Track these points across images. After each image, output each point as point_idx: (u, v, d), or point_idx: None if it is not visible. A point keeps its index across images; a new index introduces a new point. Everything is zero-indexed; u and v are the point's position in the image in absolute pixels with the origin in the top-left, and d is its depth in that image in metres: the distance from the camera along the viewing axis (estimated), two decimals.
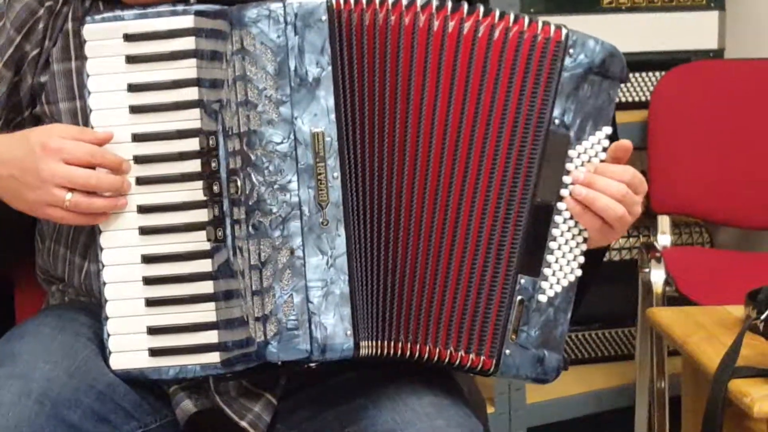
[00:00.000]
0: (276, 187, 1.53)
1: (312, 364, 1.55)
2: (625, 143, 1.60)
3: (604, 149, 1.60)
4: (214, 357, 1.59)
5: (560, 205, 1.59)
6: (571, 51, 1.58)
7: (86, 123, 1.62)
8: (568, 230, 1.60)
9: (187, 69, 1.58)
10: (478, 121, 1.57)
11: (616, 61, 1.60)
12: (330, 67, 1.53)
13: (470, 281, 1.59)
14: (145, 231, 1.60)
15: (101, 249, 1.61)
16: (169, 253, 1.60)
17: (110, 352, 1.62)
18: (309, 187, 1.53)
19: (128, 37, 1.59)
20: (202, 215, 1.59)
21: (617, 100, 1.62)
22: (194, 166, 1.59)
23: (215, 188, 1.58)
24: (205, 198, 1.58)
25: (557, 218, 1.59)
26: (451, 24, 1.57)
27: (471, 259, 1.58)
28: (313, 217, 1.53)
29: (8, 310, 1.98)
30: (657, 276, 2.82)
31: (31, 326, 1.69)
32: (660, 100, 3.05)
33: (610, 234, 1.61)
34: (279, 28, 1.52)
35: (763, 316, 2.02)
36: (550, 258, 1.59)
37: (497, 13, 1.57)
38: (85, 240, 1.72)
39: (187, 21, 1.58)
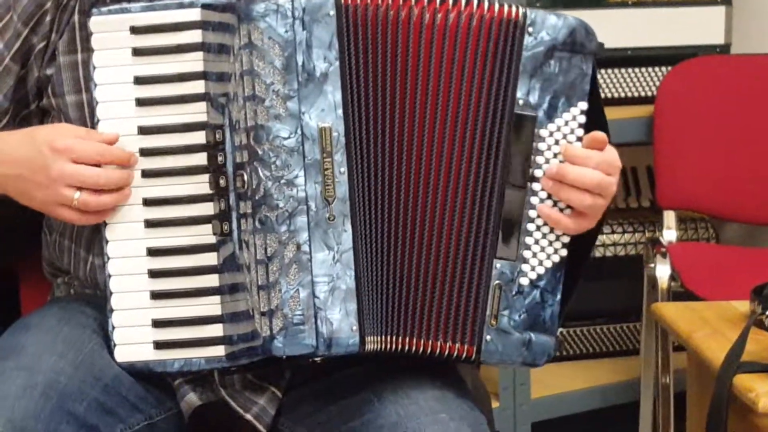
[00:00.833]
0: (283, 181, 1.53)
1: (317, 359, 1.55)
2: (599, 135, 1.56)
3: (581, 125, 1.57)
4: (219, 350, 1.59)
5: (536, 186, 1.57)
6: (530, 30, 1.56)
7: (92, 115, 1.62)
8: None
9: (194, 62, 1.58)
10: (450, 111, 1.57)
11: (583, 34, 1.56)
12: (338, 62, 1.53)
13: (448, 270, 1.58)
14: (150, 224, 1.60)
15: (107, 241, 1.61)
16: (174, 246, 1.60)
17: (115, 345, 1.61)
18: (316, 182, 1.53)
19: (135, 30, 1.59)
20: (208, 209, 1.59)
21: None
22: (200, 159, 1.59)
23: (221, 182, 1.58)
24: (211, 192, 1.58)
25: (533, 199, 1.57)
26: (439, 15, 1.56)
27: (447, 249, 1.58)
28: (320, 213, 1.53)
29: (14, 304, 1.98)
30: (662, 271, 2.82)
31: (37, 318, 1.69)
32: (666, 95, 3.04)
33: (584, 222, 1.58)
34: (287, 23, 1.52)
35: None
36: (528, 240, 1.58)
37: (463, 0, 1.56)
38: (89, 233, 1.72)
39: (194, 14, 1.58)
